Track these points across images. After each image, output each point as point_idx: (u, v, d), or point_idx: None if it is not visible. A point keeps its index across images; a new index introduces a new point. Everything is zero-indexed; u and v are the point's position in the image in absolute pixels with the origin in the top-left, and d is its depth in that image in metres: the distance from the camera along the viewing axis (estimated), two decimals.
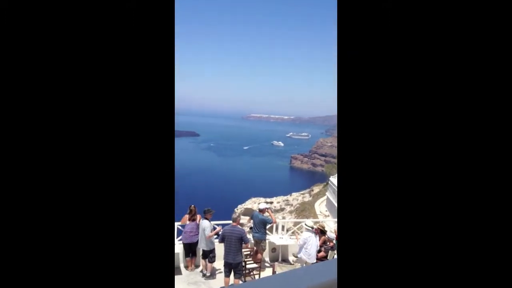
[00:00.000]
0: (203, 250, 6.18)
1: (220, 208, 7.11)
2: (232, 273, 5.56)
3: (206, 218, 6.23)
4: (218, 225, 6.53)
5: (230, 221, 6.01)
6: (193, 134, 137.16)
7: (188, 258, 6.43)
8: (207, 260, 6.14)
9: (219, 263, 6.19)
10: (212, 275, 6.19)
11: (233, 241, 5.42)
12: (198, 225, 6.31)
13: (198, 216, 6.42)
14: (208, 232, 6.07)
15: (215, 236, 6.27)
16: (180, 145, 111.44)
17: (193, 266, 6.44)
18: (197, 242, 6.28)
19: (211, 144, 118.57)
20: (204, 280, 6.03)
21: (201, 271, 6.28)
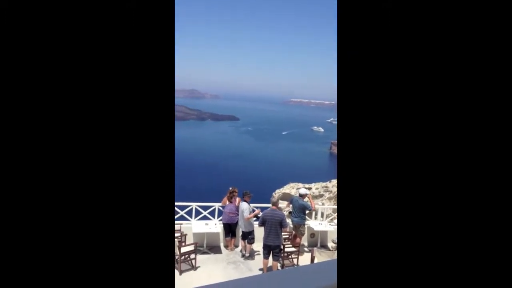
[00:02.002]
0: (243, 232, 6.33)
1: (258, 191, 7.17)
2: (271, 256, 5.62)
3: (245, 201, 6.37)
4: (256, 207, 6.61)
5: (268, 204, 6.05)
6: (233, 118, 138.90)
7: (227, 238, 6.61)
8: (246, 241, 6.27)
9: (258, 245, 6.29)
10: (251, 256, 6.31)
11: (273, 225, 5.45)
12: (237, 207, 6.43)
13: (238, 199, 6.54)
14: (247, 214, 6.19)
15: (254, 218, 6.36)
16: (220, 129, 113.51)
17: (232, 246, 6.60)
18: (236, 223, 6.43)
19: (249, 129, 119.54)
20: (243, 260, 6.17)
21: (240, 251, 6.42)
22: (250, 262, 6.17)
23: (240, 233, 6.49)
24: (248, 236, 6.28)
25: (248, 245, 6.25)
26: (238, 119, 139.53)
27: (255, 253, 6.43)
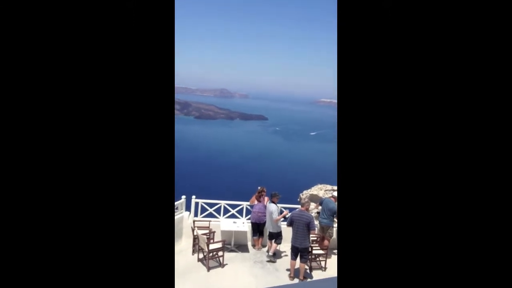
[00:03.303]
0: (270, 232, 6.31)
1: (285, 191, 7.13)
2: (299, 257, 5.58)
3: (273, 202, 6.34)
4: (285, 208, 6.58)
5: (294, 205, 5.99)
6: (262, 118, 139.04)
7: (255, 237, 6.63)
8: (273, 241, 6.25)
9: (285, 245, 6.26)
10: (278, 257, 6.30)
11: (301, 226, 5.41)
12: (265, 206, 6.43)
13: (266, 198, 6.54)
14: (275, 216, 6.15)
15: (282, 219, 6.33)
16: (249, 128, 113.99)
17: (260, 245, 6.62)
18: (264, 223, 6.43)
19: (277, 128, 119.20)
20: (271, 255, 6.16)
21: (267, 251, 6.42)
22: (277, 262, 6.16)
23: (267, 233, 6.49)
24: (276, 237, 6.26)
25: (274, 245, 6.24)
26: (267, 119, 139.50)
27: (283, 254, 6.41)
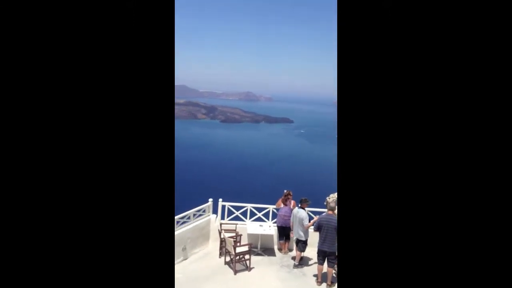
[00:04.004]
0: (298, 239, 6.11)
1: (310, 194, 7.01)
2: (326, 262, 5.49)
3: (302, 208, 6.15)
4: (312, 212, 6.48)
5: (322, 209, 5.87)
6: (287, 121, 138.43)
7: (281, 241, 6.59)
8: (299, 247, 6.10)
9: (312, 249, 6.18)
10: (305, 261, 6.22)
11: (329, 230, 5.32)
12: (291, 210, 6.36)
13: (293, 202, 6.48)
14: (306, 222, 5.96)
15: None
16: (274, 131, 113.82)
17: (286, 249, 6.57)
18: (291, 227, 6.34)
19: (302, 131, 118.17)
20: (297, 264, 6.10)
21: (294, 259, 6.32)
22: (304, 266, 6.09)
23: (294, 238, 6.35)
24: (303, 244, 6.09)
25: (298, 253, 6.10)
26: (292, 122, 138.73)
27: (309, 258, 6.33)
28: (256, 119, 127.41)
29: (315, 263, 5.91)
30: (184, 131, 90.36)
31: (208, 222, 6.75)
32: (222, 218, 6.90)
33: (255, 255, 6.28)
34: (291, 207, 6.44)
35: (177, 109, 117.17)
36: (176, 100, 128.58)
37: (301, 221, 6.02)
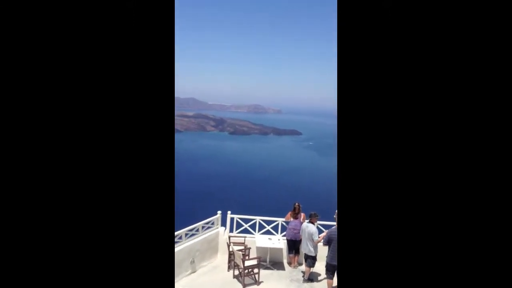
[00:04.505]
0: (307, 255, 6.00)
1: (321, 207, 6.92)
2: (336, 276, 5.38)
3: (312, 222, 6.03)
4: (321, 226, 6.38)
5: (330, 222, 5.77)
6: (295, 133, 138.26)
7: (291, 255, 6.50)
8: (308, 263, 5.99)
9: (322, 264, 6.07)
10: (315, 275, 6.11)
11: None
12: (301, 223, 6.28)
13: (302, 215, 6.41)
14: (316, 238, 5.86)
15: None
16: (282, 143, 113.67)
17: (296, 263, 6.47)
18: (301, 240, 6.25)
19: (310, 143, 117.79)
20: (307, 279, 5.99)
21: (303, 275, 6.20)
22: (314, 281, 5.98)
23: (304, 253, 6.23)
24: (312, 260, 5.96)
25: (307, 268, 5.98)
26: (300, 134, 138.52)
27: (319, 273, 6.21)
28: (265, 131, 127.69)
29: (325, 278, 5.79)
30: (193, 143, 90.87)
31: (217, 234, 6.71)
32: (231, 230, 6.86)
33: (264, 268, 6.19)
34: (301, 220, 6.36)
35: (186, 121, 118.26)
36: (186, 112, 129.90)
37: (310, 236, 5.91)
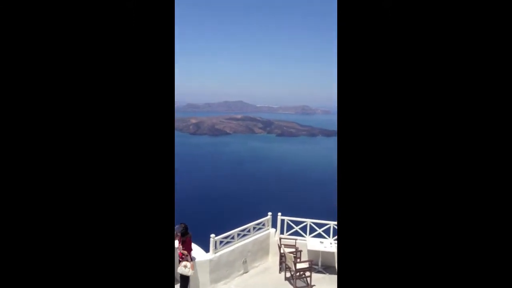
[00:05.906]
0: None
1: None
2: None
3: None
4: None
5: None
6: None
7: None
8: None
9: None
10: None
11: None
12: None
13: None
14: None
15: None
16: (331, 145, 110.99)
17: None
18: None
19: None
20: None
21: None
22: None
23: None
24: None
25: None
26: None
27: None
28: (313, 132, 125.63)
29: None
30: (243, 145, 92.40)
31: (268, 236, 6.74)
32: (281, 232, 6.84)
33: (315, 272, 6.09)
34: None
35: (234, 124, 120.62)
36: (234, 115, 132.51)
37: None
